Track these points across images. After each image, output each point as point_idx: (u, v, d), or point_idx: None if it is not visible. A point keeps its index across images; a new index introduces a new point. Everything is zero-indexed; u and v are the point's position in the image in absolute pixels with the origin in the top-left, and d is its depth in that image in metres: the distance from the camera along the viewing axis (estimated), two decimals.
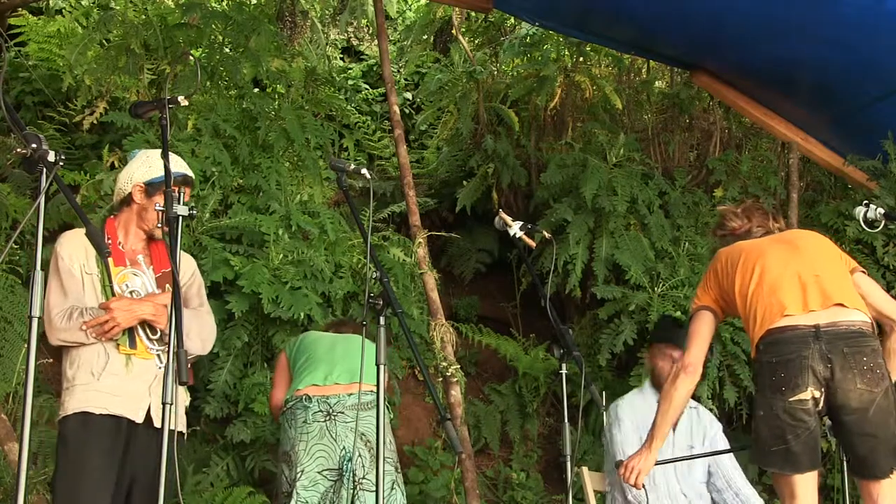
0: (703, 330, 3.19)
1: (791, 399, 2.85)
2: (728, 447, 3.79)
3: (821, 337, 2.88)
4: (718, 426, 3.88)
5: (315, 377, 3.37)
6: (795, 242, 3.19)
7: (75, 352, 2.86)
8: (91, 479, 2.73)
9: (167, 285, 2.96)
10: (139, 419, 2.84)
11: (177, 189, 2.62)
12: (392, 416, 3.37)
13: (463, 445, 4.49)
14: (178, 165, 3.03)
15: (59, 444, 2.83)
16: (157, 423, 2.82)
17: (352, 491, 3.14)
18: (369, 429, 3.19)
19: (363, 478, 3.17)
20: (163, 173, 2.81)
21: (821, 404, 2.87)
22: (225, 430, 4.43)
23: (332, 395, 3.30)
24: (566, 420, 3.19)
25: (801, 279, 3.01)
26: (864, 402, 2.82)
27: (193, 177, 3.21)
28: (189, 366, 2.84)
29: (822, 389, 2.86)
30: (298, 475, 3.17)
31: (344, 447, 3.19)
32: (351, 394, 3.30)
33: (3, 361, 4.04)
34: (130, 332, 2.87)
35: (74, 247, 2.91)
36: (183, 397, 3.00)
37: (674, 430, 3.71)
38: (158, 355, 2.92)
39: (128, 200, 3.03)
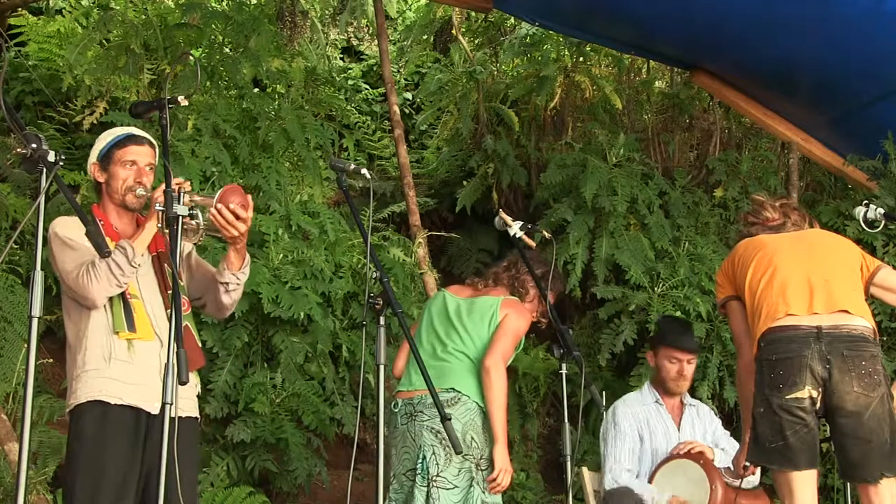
0: (740, 329, 3.26)
1: (788, 396, 2.87)
2: (729, 441, 3.88)
3: (822, 338, 2.89)
4: (718, 422, 3.96)
5: (408, 381, 3.40)
6: (814, 244, 3.19)
7: (84, 335, 2.70)
8: (113, 482, 2.59)
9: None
10: (155, 410, 2.63)
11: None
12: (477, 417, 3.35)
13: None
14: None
15: (73, 438, 2.65)
16: (172, 412, 2.60)
17: (425, 489, 3.17)
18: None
19: (437, 475, 3.18)
20: (110, 139, 2.89)
21: (818, 404, 2.88)
22: (225, 430, 4.42)
23: (416, 396, 3.33)
24: (566, 420, 3.20)
25: (810, 282, 3.02)
26: (860, 405, 2.83)
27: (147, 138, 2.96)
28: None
29: (820, 390, 2.87)
30: (392, 479, 3.29)
31: (420, 445, 3.23)
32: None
33: (3, 361, 4.03)
34: (128, 313, 2.72)
35: (74, 229, 2.73)
36: (194, 381, 2.87)
37: (678, 429, 3.78)
38: (159, 335, 2.73)
39: (97, 185, 2.93)
